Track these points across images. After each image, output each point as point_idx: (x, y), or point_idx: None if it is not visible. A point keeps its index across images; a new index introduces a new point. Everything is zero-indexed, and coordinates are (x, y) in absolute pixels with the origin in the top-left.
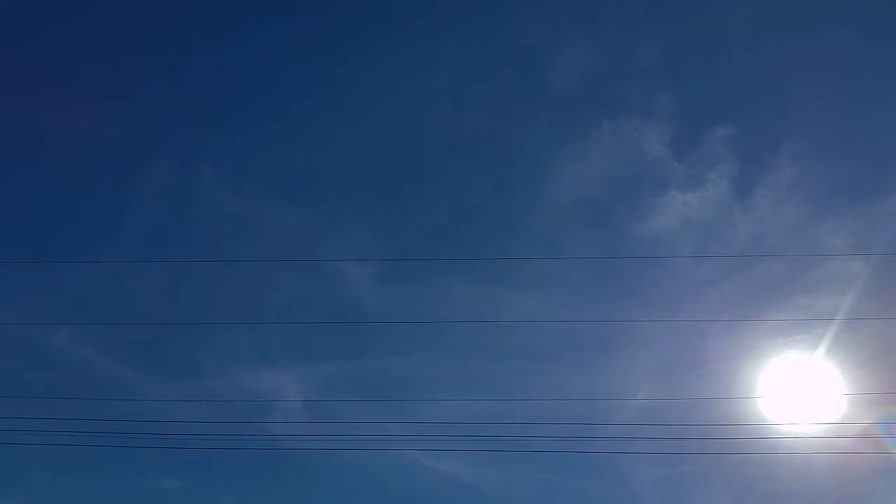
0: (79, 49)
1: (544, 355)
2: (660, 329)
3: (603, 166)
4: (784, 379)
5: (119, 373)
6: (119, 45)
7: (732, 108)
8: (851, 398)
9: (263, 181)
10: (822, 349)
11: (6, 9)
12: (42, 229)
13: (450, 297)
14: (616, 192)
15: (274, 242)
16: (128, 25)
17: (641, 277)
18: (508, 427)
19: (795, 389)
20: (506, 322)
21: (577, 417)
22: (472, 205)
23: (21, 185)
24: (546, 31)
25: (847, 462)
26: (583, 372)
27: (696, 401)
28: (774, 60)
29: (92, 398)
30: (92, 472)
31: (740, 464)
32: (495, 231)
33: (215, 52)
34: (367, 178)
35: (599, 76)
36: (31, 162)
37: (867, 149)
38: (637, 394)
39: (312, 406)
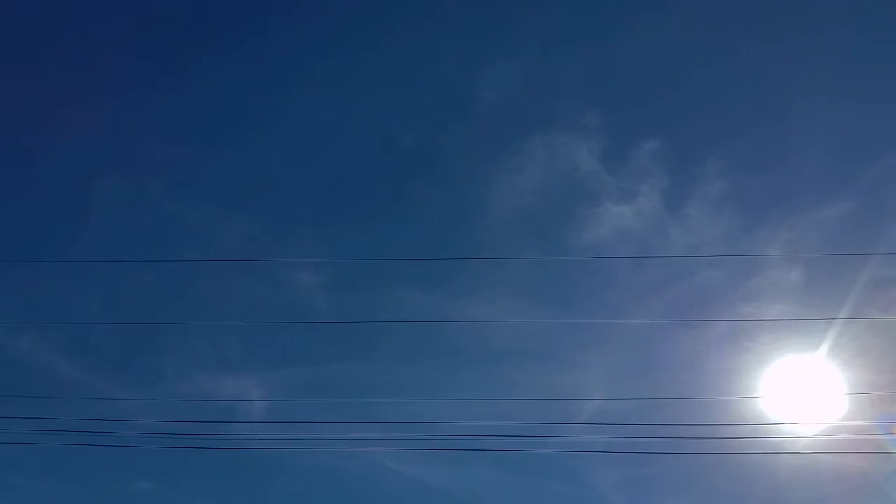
0: (28, 60)
1: (501, 358)
2: (634, 329)
3: (537, 180)
4: (782, 379)
5: (82, 377)
6: (67, 57)
7: (658, 124)
8: (839, 398)
9: (210, 192)
10: (821, 349)
11: None
12: None
13: (404, 304)
14: (552, 205)
15: (224, 252)
16: (77, 39)
17: (588, 285)
18: (479, 429)
19: (793, 390)
20: (464, 325)
21: (539, 419)
22: (415, 216)
23: None
24: (472, 49)
25: (845, 462)
26: (541, 374)
27: (673, 402)
28: (697, 76)
29: (55, 398)
30: (64, 474)
31: (713, 465)
32: (440, 241)
33: (160, 65)
34: (312, 189)
35: (526, 93)
36: None
37: (794, 160)
38: (595, 395)
39: (276, 409)
